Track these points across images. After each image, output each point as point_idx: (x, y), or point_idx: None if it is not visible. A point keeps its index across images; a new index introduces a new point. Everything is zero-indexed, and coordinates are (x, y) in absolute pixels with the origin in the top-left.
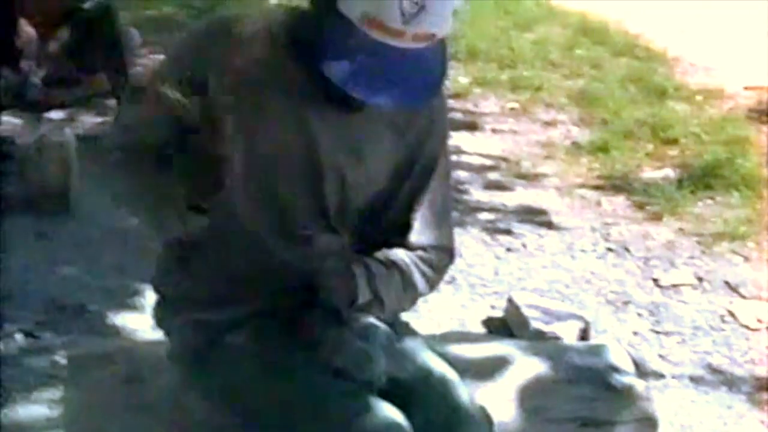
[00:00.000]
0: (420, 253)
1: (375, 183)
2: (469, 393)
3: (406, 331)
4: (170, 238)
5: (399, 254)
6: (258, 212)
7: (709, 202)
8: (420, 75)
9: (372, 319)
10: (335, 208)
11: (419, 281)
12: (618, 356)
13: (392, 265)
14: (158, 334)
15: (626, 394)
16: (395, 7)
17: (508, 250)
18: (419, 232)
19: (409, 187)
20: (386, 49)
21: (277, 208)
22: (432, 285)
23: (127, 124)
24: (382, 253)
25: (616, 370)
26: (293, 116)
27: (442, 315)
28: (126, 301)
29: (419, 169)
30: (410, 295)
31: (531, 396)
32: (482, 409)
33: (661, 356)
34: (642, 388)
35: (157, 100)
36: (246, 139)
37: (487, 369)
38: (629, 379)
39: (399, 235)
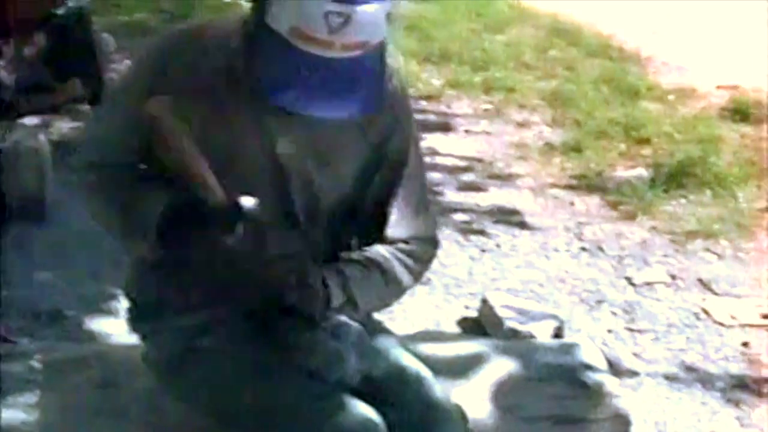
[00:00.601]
0: (401, 245)
1: (343, 184)
2: (443, 390)
3: (379, 329)
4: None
5: (379, 250)
6: None
7: (682, 200)
8: (357, 82)
9: (344, 318)
10: (304, 210)
11: (403, 275)
12: (590, 354)
13: (371, 264)
14: (134, 339)
15: (599, 392)
16: (321, 19)
17: (482, 250)
18: (397, 226)
19: (380, 184)
20: (317, 60)
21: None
22: (417, 276)
23: (95, 142)
24: (361, 253)
25: (588, 367)
26: (254, 124)
27: (416, 316)
28: (102, 306)
29: (388, 166)
30: (394, 289)
31: (504, 394)
32: (457, 407)
33: (635, 354)
34: (615, 386)
35: (121, 117)
36: (207, 149)
37: (461, 368)
38: (602, 376)
39: (377, 231)
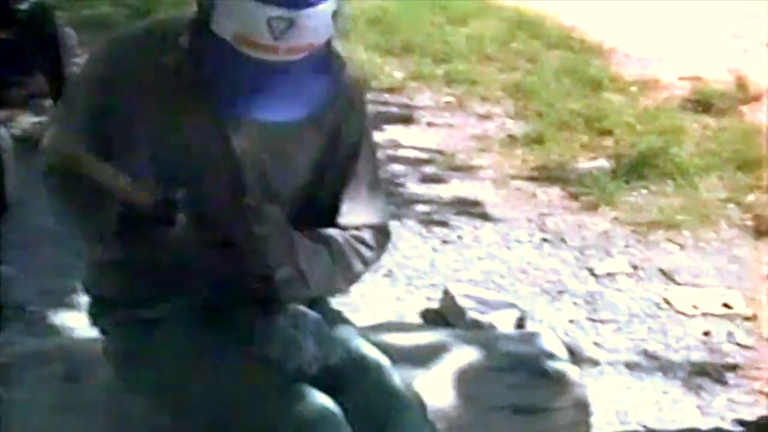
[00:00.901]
0: (353, 232)
1: (298, 175)
2: (402, 379)
3: (338, 319)
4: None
5: (331, 233)
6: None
7: (644, 191)
8: (305, 83)
9: (301, 308)
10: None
11: (354, 260)
12: (551, 343)
13: (320, 241)
14: (95, 333)
15: (559, 381)
16: (264, 25)
17: (444, 242)
18: (350, 213)
19: (334, 172)
20: (263, 65)
21: (199, 208)
22: (369, 263)
23: (54, 145)
24: (312, 231)
25: (549, 356)
26: (208, 120)
27: (379, 308)
28: (64, 300)
29: (342, 154)
30: (344, 274)
31: (465, 383)
32: (416, 395)
33: (596, 344)
34: (575, 374)
35: (76, 121)
36: (161, 148)
37: (422, 357)
38: (562, 365)
39: (330, 220)
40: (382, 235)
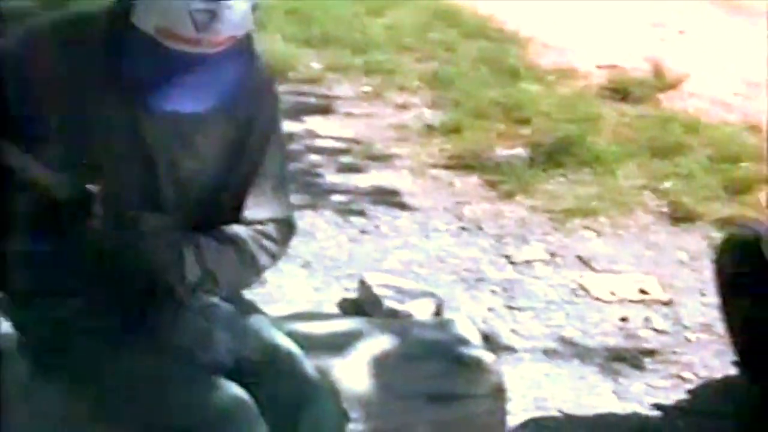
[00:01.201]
0: (258, 227)
1: (210, 167)
2: (314, 367)
3: (251, 309)
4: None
5: (235, 229)
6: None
7: (561, 179)
8: (225, 75)
9: (213, 299)
10: (172, 196)
11: (259, 255)
12: (466, 330)
13: (226, 240)
14: (9, 327)
15: (475, 367)
16: (187, 17)
17: (362, 232)
18: (256, 207)
19: (242, 167)
20: (185, 58)
21: (110, 201)
22: (274, 257)
23: None
24: (217, 230)
25: (464, 343)
26: (121, 113)
27: (296, 298)
28: None
29: (251, 147)
30: (250, 269)
31: (380, 371)
32: (329, 384)
33: (514, 331)
34: (491, 361)
35: None
36: (75, 140)
37: (337, 346)
38: (478, 352)
39: (236, 212)
40: (286, 228)
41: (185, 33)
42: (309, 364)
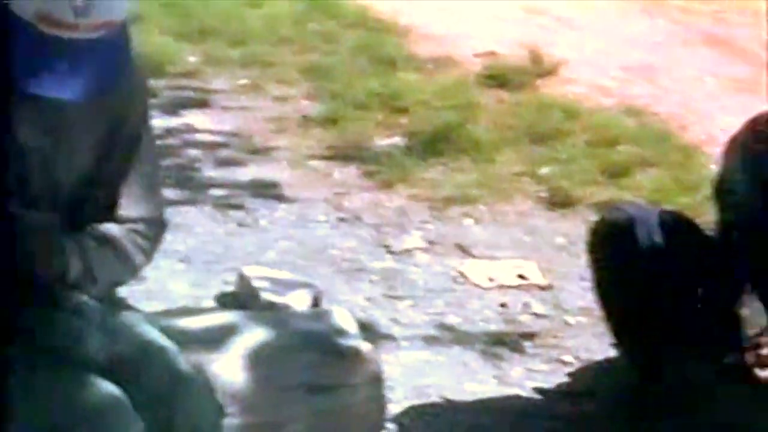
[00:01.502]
0: (131, 225)
1: (82, 162)
2: (190, 363)
3: (123, 306)
4: None
5: (111, 228)
6: None
7: (440, 167)
8: (103, 62)
9: (84, 297)
10: (45, 191)
11: (134, 254)
12: (343, 320)
13: (102, 238)
14: None
15: (352, 357)
16: (66, 2)
17: (241, 225)
18: (129, 206)
19: (116, 161)
20: (63, 43)
21: None
22: (148, 256)
23: None
24: (95, 229)
25: (341, 333)
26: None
27: (175, 294)
28: None
29: (123, 144)
30: (126, 268)
31: (257, 364)
32: (204, 379)
33: (394, 320)
34: (368, 350)
35: None
36: None
37: (213, 340)
38: (354, 342)
39: (109, 211)
40: (159, 227)
41: (64, 18)
42: (182, 360)
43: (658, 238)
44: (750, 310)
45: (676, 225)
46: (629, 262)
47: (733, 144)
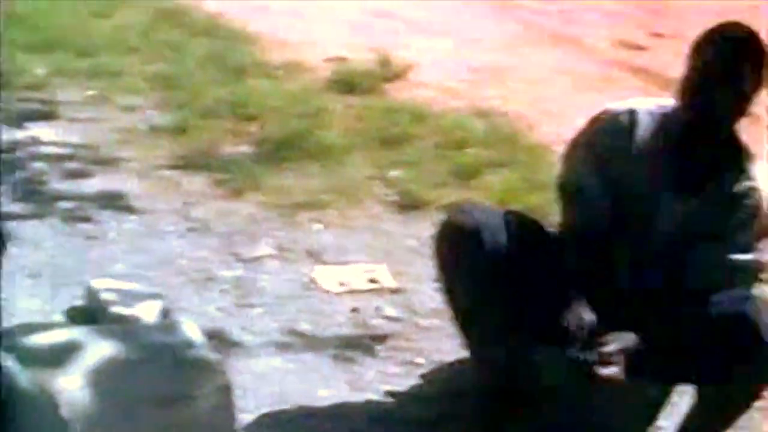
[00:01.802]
0: None
1: None
2: (34, 380)
3: None
4: None
5: None
6: None
7: (290, 174)
8: None
9: None
10: None
11: None
12: (191, 331)
13: None
14: None
15: (200, 368)
16: None
17: (90, 238)
18: None
19: None
20: None
21: None
22: None
23: None
24: None
25: (189, 344)
26: None
27: (24, 310)
28: None
29: None
30: None
31: (104, 379)
32: (48, 395)
33: (245, 328)
34: (216, 360)
35: None
36: None
37: (59, 356)
38: (202, 352)
39: None
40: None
41: None
42: (25, 378)
43: (502, 238)
44: (592, 309)
45: (520, 225)
46: (473, 263)
47: (575, 143)
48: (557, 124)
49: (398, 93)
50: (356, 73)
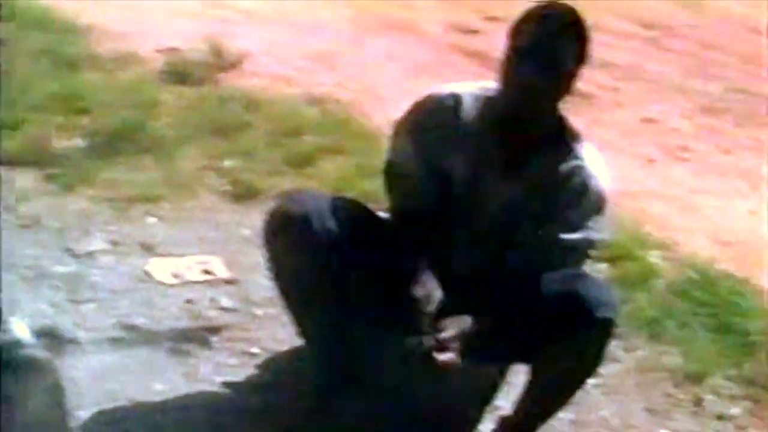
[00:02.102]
0: None
1: None
2: None
3: None
4: None
5: None
6: None
7: (122, 167)
8: None
9: None
10: None
11: None
12: (19, 330)
13: None
14: None
15: (29, 367)
16: None
17: None
18: None
19: None
20: None
21: None
22: None
23: None
24: None
25: (17, 344)
26: None
27: None
28: None
29: None
30: None
31: None
32: None
33: (78, 324)
34: (45, 359)
35: None
36: None
37: None
38: (30, 351)
39: None
40: None
41: None
42: None
43: (330, 224)
44: (427, 294)
45: (349, 210)
46: (302, 251)
47: (399, 127)
48: (390, 110)
49: (232, 82)
50: (189, 63)
